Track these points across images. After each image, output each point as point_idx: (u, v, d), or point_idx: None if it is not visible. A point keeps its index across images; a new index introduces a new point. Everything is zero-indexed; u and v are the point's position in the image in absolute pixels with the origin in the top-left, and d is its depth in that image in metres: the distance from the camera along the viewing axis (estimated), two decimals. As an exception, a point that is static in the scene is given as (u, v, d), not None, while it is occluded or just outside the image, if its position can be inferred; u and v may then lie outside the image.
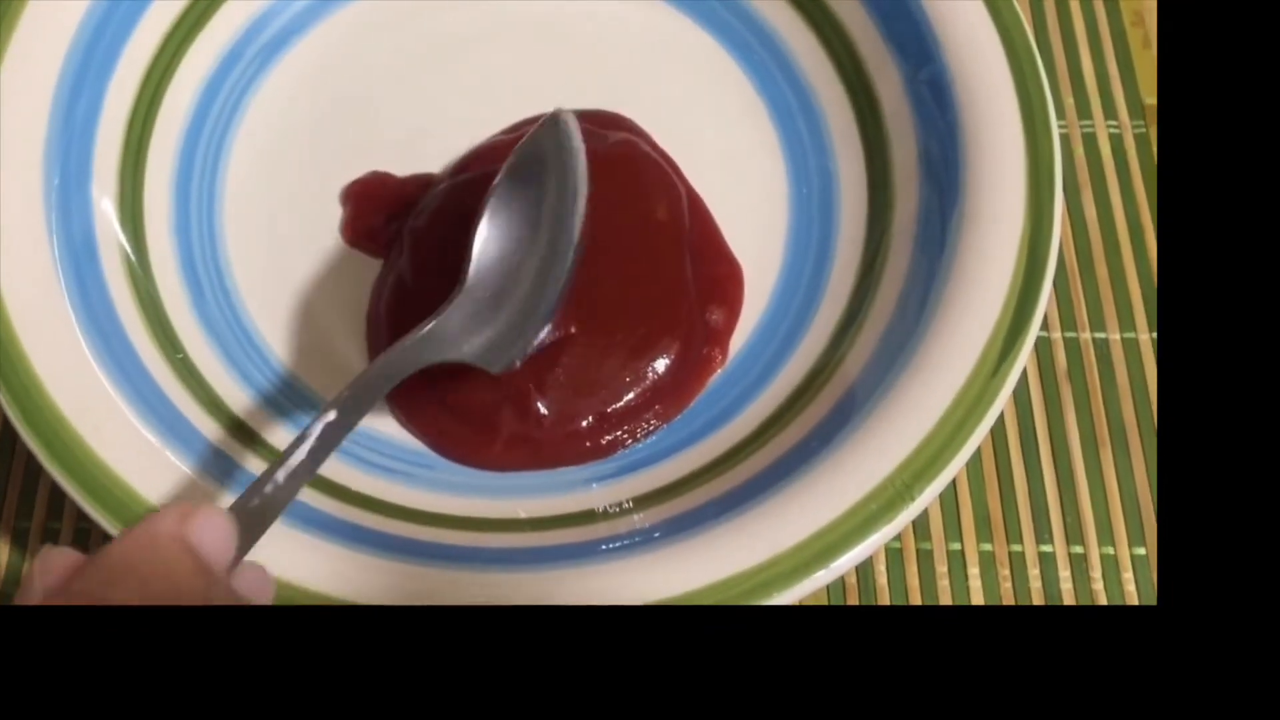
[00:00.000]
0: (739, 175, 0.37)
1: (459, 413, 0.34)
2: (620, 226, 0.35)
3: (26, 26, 0.34)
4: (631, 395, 0.34)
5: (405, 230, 0.36)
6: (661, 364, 0.34)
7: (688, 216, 0.36)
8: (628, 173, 0.36)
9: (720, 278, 0.36)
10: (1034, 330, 0.31)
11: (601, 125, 0.37)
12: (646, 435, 0.34)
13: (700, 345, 0.35)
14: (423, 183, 0.37)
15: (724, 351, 0.35)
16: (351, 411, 0.28)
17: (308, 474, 0.26)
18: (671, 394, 0.34)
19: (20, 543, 0.34)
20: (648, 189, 0.36)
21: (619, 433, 0.34)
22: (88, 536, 0.34)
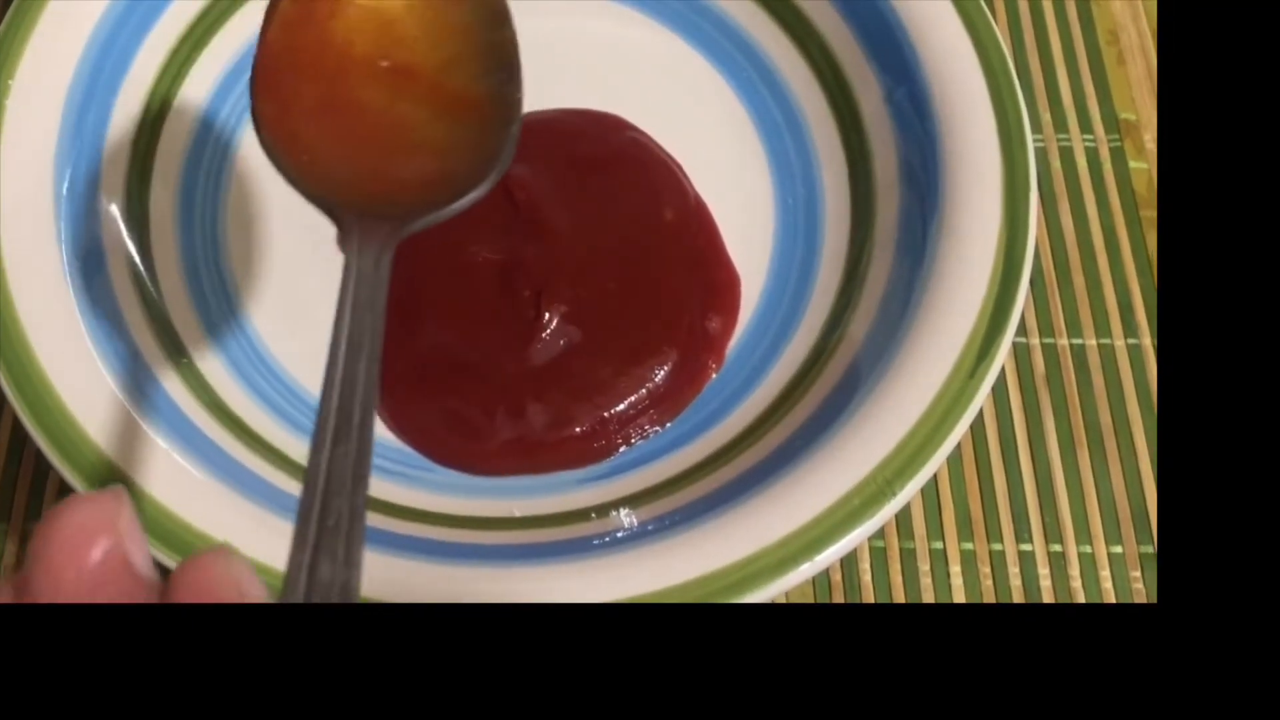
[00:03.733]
0: (726, 185, 0.38)
1: (452, 419, 0.35)
2: (626, 226, 0.36)
3: (40, 34, 0.35)
4: (627, 401, 0.35)
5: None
6: (659, 371, 0.35)
7: (694, 220, 0.37)
8: (636, 171, 0.37)
9: (720, 284, 0.36)
10: (1010, 332, 0.32)
11: (609, 128, 0.38)
12: (640, 439, 0.35)
13: (697, 353, 0.35)
14: None
15: (719, 360, 0.36)
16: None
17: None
18: (666, 400, 0.35)
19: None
20: (655, 189, 0.37)
21: (613, 438, 0.35)
22: (93, 537, 0.35)
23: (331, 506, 0.20)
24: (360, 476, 0.21)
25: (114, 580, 0.18)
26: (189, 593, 0.19)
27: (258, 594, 0.19)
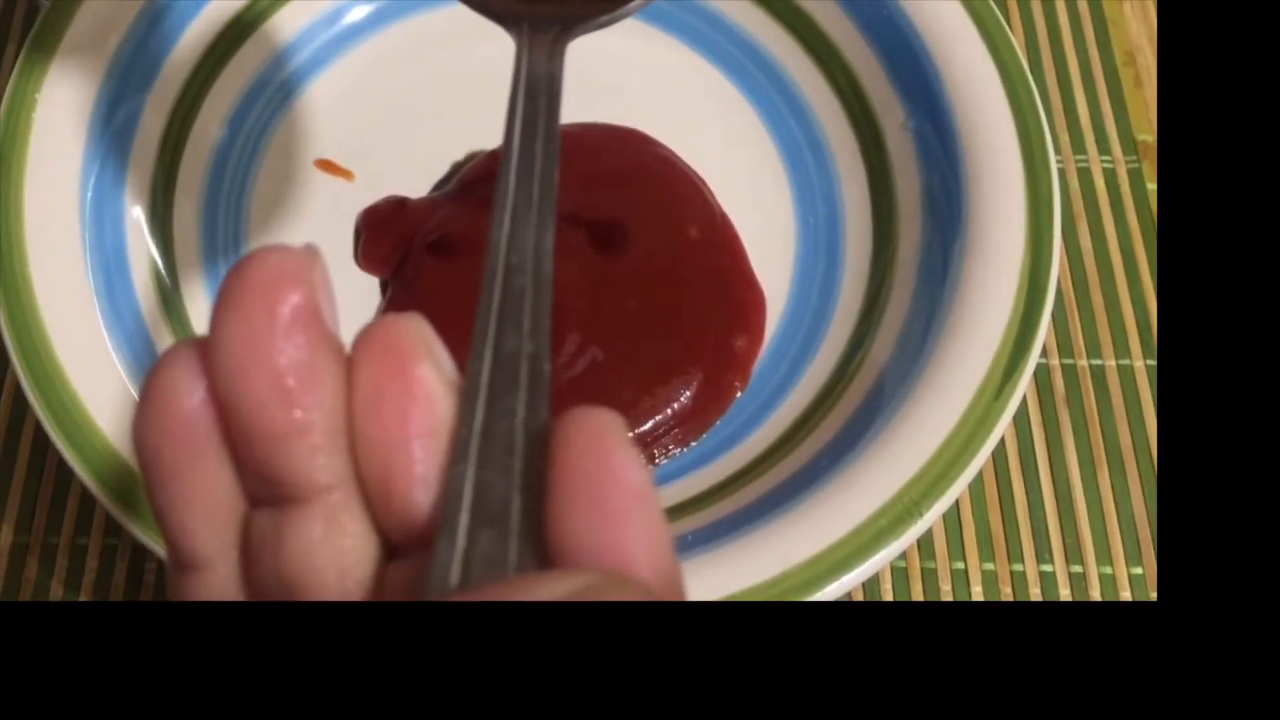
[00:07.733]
0: (745, 204, 0.38)
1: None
2: (651, 242, 0.36)
3: (66, 49, 0.35)
4: (652, 421, 0.35)
5: (410, 255, 0.37)
6: (684, 391, 0.35)
7: (719, 237, 0.37)
8: (661, 187, 0.37)
9: (746, 303, 0.36)
10: (1035, 354, 0.32)
11: (633, 143, 0.38)
12: (664, 458, 0.35)
13: (722, 372, 0.35)
14: (435, 206, 0.38)
15: (745, 380, 0.36)
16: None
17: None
18: (691, 420, 0.35)
19: (49, 559, 0.34)
20: (681, 206, 0.37)
21: None
22: (114, 552, 0.35)
23: (514, 282, 0.20)
24: (543, 253, 0.20)
25: (305, 329, 0.17)
26: (375, 348, 0.18)
27: (442, 354, 0.19)
